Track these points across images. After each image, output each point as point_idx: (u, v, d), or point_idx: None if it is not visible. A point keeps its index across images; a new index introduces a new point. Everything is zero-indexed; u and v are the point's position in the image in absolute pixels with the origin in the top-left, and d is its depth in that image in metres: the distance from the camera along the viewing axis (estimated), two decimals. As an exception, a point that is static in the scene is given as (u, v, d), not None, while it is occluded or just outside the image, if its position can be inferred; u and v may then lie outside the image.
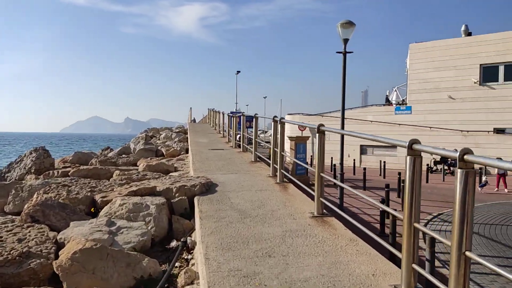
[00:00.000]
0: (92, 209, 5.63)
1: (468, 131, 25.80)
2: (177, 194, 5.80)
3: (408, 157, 3.03)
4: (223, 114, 18.70)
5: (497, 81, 25.63)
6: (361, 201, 12.11)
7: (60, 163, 11.95)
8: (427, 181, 20.05)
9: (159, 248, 4.90)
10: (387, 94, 38.24)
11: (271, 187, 6.62)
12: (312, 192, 5.57)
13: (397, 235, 7.36)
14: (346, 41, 11.22)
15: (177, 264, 4.28)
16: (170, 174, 8.65)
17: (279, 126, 7.11)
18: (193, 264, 4.22)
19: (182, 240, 4.62)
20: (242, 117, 12.37)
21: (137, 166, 10.48)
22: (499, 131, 25.36)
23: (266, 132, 52.47)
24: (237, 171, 8.23)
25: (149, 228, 4.93)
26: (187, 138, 17.57)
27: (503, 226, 9.83)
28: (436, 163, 24.68)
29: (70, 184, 6.76)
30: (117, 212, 5.18)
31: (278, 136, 7.16)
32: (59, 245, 4.42)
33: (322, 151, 5.05)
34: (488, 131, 25.31)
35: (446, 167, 23.22)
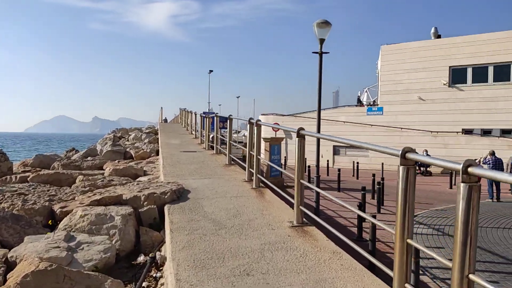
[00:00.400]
0: (49, 221, 5.11)
1: (437, 131, 26.32)
2: (145, 203, 5.36)
3: (400, 167, 2.75)
4: (196, 114, 18.21)
5: (466, 83, 26.26)
6: (337, 204, 11.95)
7: (20, 167, 11.17)
8: (399, 182, 20.20)
9: (125, 264, 4.46)
10: (359, 95, 38.67)
11: (247, 193, 6.28)
12: (290, 199, 5.28)
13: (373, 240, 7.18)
14: (322, 41, 11.01)
15: (144, 284, 3.87)
16: (139, 179, 8.17)
17: (255, 128, 6.77)
18: (162, 284, 3.82)
19: (150, 255, 4.20)
20: (215, 117, 11.95)
21: (104, 170, 9.89)
22: (467, 131, 25.99)
23: (239, 132, 52.13)
24: (210, 175, 7.84)
25: (113, 242, 4.47)
26: (158, 139, 16.98)
27: (479, 228, 9.85)
28: (407, 163, 25.01)
29: (26, 192, 6.18)
30: (77, 225, 4.70)
31: (255, 138, 6.81)
32: (10, 265, 3.92)
33: (302, 156, 4.75)
34: (457, 132, 25.90)
35: (417, 168, 23.56)
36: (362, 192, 10.10)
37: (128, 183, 7.15)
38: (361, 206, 9.08)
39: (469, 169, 2.13)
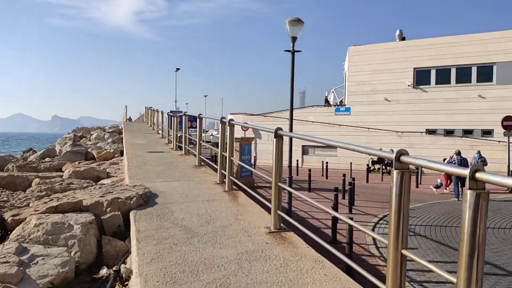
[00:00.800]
0: (-1, 232, 4.57)
1: (402, 132, 26.89)
2: (108, 209, 4.91)
3: (395, 171, 2.53)
4: (162, 113, 17.63)
5: (429, 84, 26.99)
6: (309, 204, 11.80)
7: (-31, 168, 10.28)
8: (367, 181, 20.48)
9: (86, 277, 4.01)
10: (326, 95, 39.07)
11: (219, 197, 5.95)
12: (265, 202, 5.01)
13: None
14: (294, 39, 10.81)
15: (108, 301, 3.46)
16: (101, 182, 7.63)
17: (227, 128, 6.43)
18: (128, 302, 3.42)
19: (114, 269, 3.78)
20: (184, 116, 11.49)
21: (62, 171, 9.22)
22: (431, 132, 26.71)
23: (206, 131, 51.51)
24: (179, 177, 7.44)
25: (72, 254, 4.02)
26: (122, 138, 16.29)
27: (447, 227, 9.95)
28: (374, 162, 25.40)
29: (-27, 198, 5.56)
30: (31, 235, 4.20)
31: (227, 138, 6.47)
32: (-51, 284, 3.40)
33: (280, 157, 4.47)
34: (421, 132, 26.57)
35: (383, 167, 23.92)
36: (335, 192, 9.97)
37: (90, 186, 6.63)
38: (336, 208, 8.93)
39: (477, 175, 1.92)
